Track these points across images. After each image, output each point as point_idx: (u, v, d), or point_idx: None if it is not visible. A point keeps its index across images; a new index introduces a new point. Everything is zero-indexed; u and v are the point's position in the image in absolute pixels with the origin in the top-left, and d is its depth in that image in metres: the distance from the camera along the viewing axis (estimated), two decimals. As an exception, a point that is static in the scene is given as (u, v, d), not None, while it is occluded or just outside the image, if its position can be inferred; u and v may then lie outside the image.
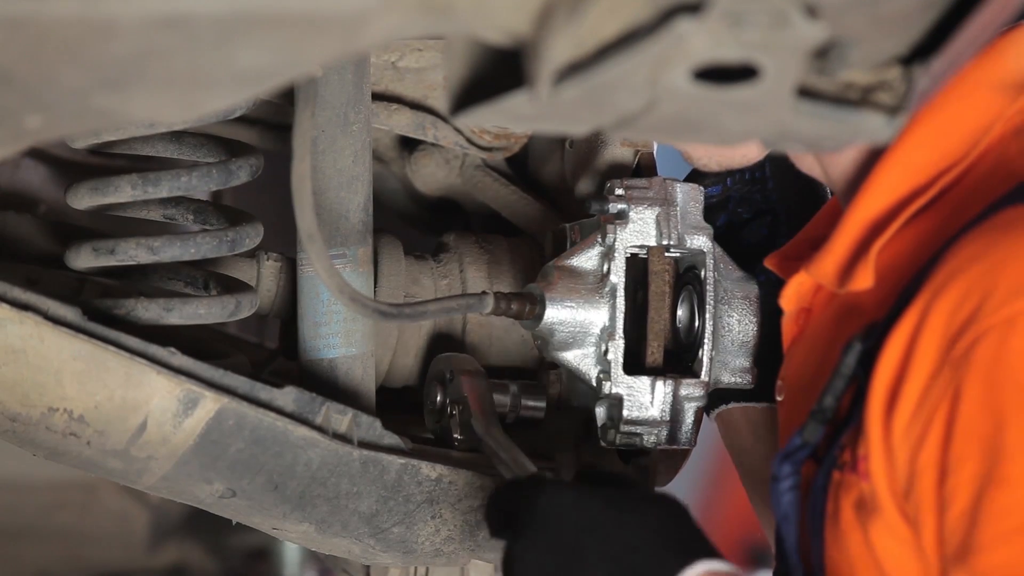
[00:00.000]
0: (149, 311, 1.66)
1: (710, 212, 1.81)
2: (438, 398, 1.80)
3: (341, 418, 1.70)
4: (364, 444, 1.71)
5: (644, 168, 1.91)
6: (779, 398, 1.70)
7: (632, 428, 1.71)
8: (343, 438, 1.70)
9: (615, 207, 1.72)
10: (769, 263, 1.74)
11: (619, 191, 1.73)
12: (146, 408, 1.61)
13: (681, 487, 1.84)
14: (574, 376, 1.75)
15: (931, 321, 1.44)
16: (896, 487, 1.47)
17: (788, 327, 1.69)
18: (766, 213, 1.85)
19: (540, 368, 1.91)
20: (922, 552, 1.46)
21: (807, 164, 1.67)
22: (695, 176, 1.83)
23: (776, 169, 1.75)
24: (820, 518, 1.54)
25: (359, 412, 1.71)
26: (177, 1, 1.03)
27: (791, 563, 1.58)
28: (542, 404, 1.82)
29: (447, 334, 1.91)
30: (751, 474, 1.91)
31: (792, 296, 1.66)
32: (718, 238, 1.76)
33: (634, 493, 1.50)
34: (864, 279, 1.56)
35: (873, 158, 1.59)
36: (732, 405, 1.86)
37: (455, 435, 1.77)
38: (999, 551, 1.39)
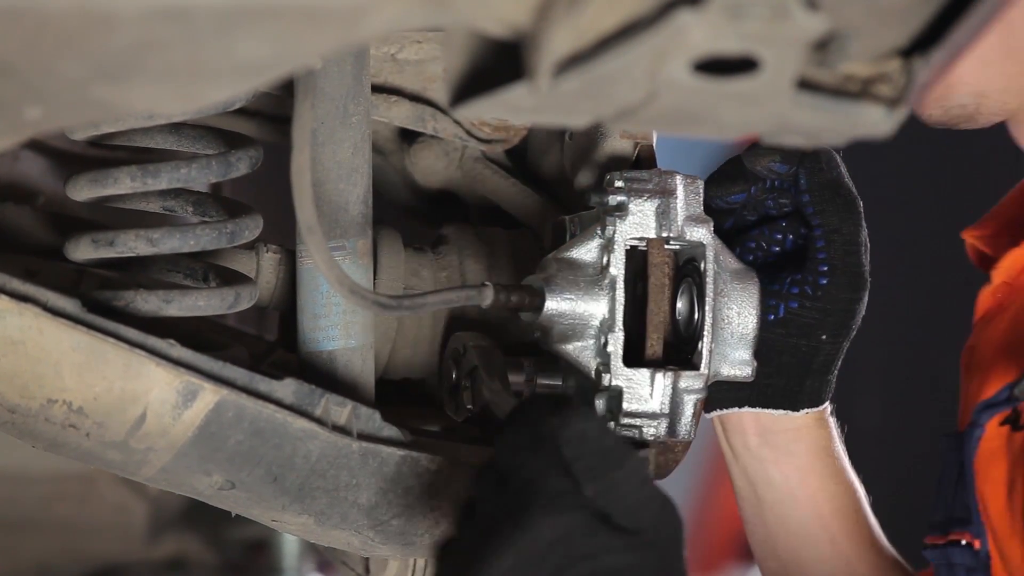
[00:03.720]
0: (148, 303, 1.66)
1: (721, 215, 1.82)
2: (453, 375, 1.80)
3: (340, 410, 1.70)
4: (363, 436, 1.71)
5: (644, 160, 1.90)
6: (964, 370, 1.73)
7: (631, 420, 1.71)
8: (342, 430, 1.70)
9: (614, 199, 1.72)
10: (969, 237, 1.79)
11: (619, 183, 1.73)
12: (145, 400, 1.61)
13: (678, 484, 1.85)
14: (573, 368, 1.75)
15: None
16: None
17: (985, 299, 1.73)
18: (776, 220, 1.85)
19: None
20: None
21: (1019, 133, 1.70)
22: (722, 184, 1.83)
23: (814, 184, 1.76)
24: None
25: (358, 404, 1.71)
26: (176, -8, 1.03)
27: (972, 511, 1.61)
28: (558, 381, 1.82)
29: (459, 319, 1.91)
30: (745, 474, 1.92)
31: (1004, 269, 1.71)
32: (724, 237, 1.78)
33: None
34: None
35: None
36: (745, 409, 1.86)
37: (467, 405, 1.77)
38: None
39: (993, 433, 1.64)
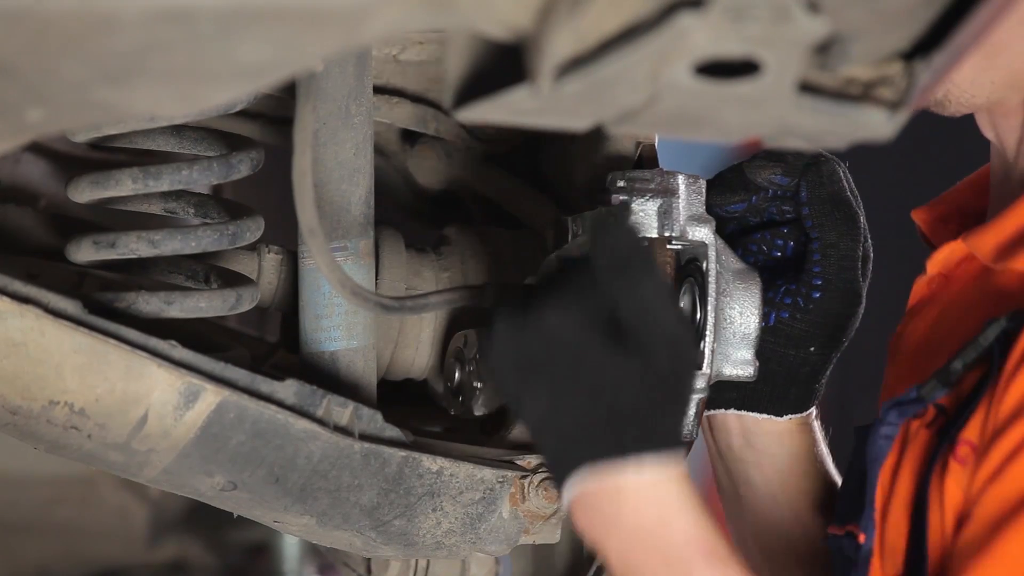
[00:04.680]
0: (150, 304, 1.66)
1: (722, 222, 1.82)
2: (456, 375, 1.79)
3: (342, 411, 1.70)
4: (365, 437, 1.71)
5: (646, 160, 1.90)
6: (890, 356, 1.73)
7: (633, 420, 1.71)
8: (344, 431, 1.70)
9: (616, 199, 1.72)
10: (917, 217, 1.81)
11: (621, 183, 1.72)
12: (147, 401, 1.61)
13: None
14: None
15: None
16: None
17: (919, 288, 1.74)
18: (778, 225, 1.85)
19: None
20: None
21: (982, 123, 1.72)
22: (723, 193, 1.83)
23: (814, 197, 1.77)
24: (925, 491, 1.57)
25: (360, 405, 1.71)
26: (178, -5, 1.03)
27: (866, 504, 1.62)
28: None
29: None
30: (727, 474, 1.92)
31: (939, 261, 1.71)
32: (727, 239, 1.78)
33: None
34: None
35: None
36: (730, 411, 1.87)
37: (475, 384, 1.76)
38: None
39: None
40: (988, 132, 1.74)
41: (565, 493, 1.49)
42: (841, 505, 1.74)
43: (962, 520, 1.55)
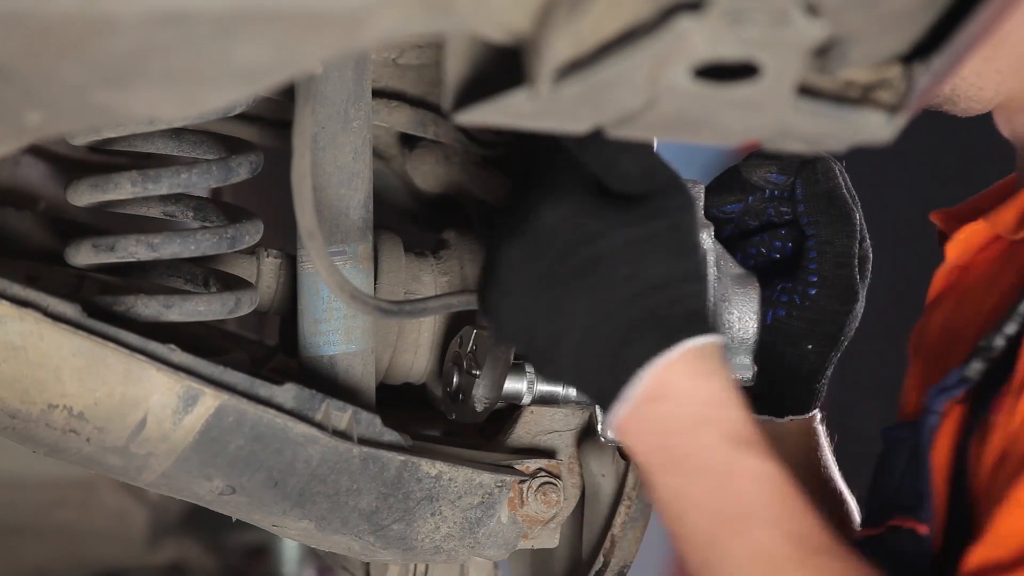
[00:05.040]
0: (149, 308, 1.66)
1: (719, 223, 1.82)
2: (455, 379, 1.79)
3: (341, 415, 1.70)
4: (364, 441, 1.71)
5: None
6: (912, 352, 1.74)
7: (632, 425, 1.71)
8: (343, 435, 1.70)
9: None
10: (935, 217, 1.80)
11: (619, 188, 1.72)
12: (146, 405, 1.61)
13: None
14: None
15: None
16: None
17: (938, 281, 1.73)
18: (777, 227, 1.85)
19: None
20: None
21: (1000, 123, 1.72)
22: (719, 194, 1.83)
23: (809, 194, 1.77)
24: (965, 460, 1.56)
25: (359, 409, 1.71)
26: (177, -2, 1.04)
27: (923, 495, 1.60)
28: (558, 388, 1.82)
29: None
30: None
31: (959, 245, 1.70)
32: (726, 242, 1.78)
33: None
34: None
35: None
36: None
37: (473, 372, 1.76)
38: None
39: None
40: (1005, 131, 1.73)
41: (620, 406, 1.46)
42: (873, 505, 1.73)
43: (999, 463, 1.53)
